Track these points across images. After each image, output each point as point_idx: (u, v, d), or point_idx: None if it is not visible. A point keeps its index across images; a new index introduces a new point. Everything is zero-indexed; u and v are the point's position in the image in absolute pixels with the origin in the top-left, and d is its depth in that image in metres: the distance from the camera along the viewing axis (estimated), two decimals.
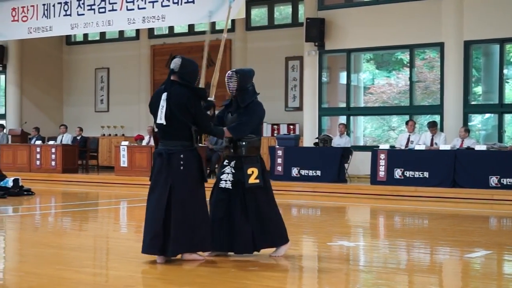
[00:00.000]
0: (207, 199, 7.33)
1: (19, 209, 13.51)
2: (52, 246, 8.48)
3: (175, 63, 7.19)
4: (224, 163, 7.61)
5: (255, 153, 7.53)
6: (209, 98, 7.37)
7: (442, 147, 16.21)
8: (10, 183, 15.31)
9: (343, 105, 20.50)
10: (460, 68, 18.12)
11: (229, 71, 7.61)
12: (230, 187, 7.43)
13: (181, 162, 7.07)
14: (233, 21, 22.67)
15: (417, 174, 16.21)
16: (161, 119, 7.10)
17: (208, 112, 7.32)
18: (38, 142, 22.00)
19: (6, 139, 23.77)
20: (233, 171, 7.47)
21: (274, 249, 7.62)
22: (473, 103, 18.77)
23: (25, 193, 15.51)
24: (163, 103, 7.08)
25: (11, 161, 22.04)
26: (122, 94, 25.48)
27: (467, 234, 10.05)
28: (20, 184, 15.56)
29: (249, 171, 7.39)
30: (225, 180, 7.48)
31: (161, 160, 7.14)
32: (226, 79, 7.53)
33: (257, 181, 7.39)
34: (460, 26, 18.06)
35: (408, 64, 20.18)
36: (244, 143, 7.48)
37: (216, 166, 7.77)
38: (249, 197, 7.40)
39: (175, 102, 7.04)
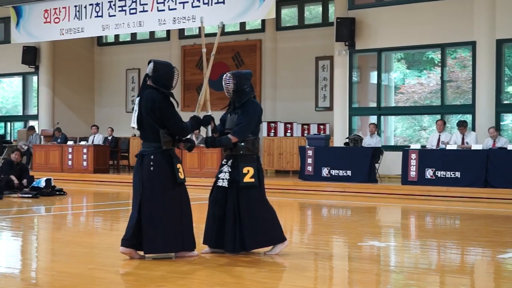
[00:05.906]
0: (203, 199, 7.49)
1: (51, 209, 13.64)
2: (84, 246, 8.56)
3: (149, 67, 7.48)
4: (223, 162, 7.75)
5: (252, 152, 7.62)
6: (206, 113, 7.60)
7: (474, 146, 16.06)
8: (42, 183, 15.50)
9: (374, 105, 20.40)
10: (492, 67, 17.93)
11: (226, 73, 7.73)
12: (227, 186, 7.56)
13: (151, 163, 7.27)
14: (263, 21, 22.70)
15: (448, 174, 16.08)
16: (134, 123, 7.39)
17: (209, 126, 7.58)
18: (70, 143, 22.17)
19: (39, 139, 24.00)
20: (230, 169, 7.60)
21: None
22: (505, 102, 18.57)
23: (57, 193, 15.68)
24: (136, 107, 7.39)
25: (44, 161, 22.25)
26: None
27: (499, 235, 9.96)
28: (52, 184, 15.74)
29: (245, 170, 7.52)
30: (222, 179, 7.62)
31: (137, 161, 7.43)
32: (223, 81, 7.67)
33: (252, 180, 7.52)
34: (492, 25, 17.87)
35: (440, 63, 20.04)
36: (241, 142, 7.57)
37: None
38: (243, 196, 7.51)
39: (144, 106, 7.28)
